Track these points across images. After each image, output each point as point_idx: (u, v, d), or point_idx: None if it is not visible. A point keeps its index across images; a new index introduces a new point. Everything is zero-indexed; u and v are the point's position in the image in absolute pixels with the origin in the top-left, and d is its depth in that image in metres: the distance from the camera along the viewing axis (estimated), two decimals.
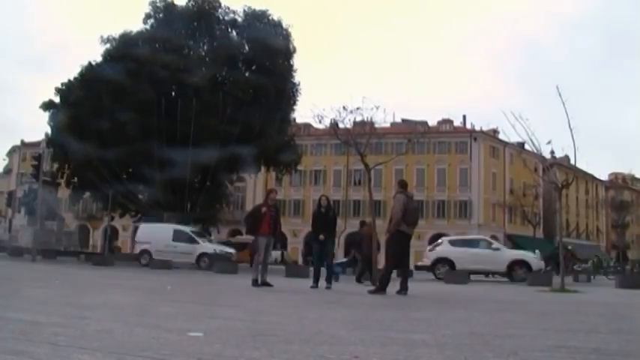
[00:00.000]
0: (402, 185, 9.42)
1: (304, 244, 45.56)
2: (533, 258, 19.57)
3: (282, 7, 33.71)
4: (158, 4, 32.31)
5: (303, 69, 55.34)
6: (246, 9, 32.33)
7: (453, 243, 20.56)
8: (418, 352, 3.08)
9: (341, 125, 18.77)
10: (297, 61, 32.45)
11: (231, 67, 30.60)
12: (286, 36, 31.97)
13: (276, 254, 39.58)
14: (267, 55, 30.57)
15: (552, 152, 34.52)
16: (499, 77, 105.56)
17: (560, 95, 12.59)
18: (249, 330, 3.88)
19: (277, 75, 30.48)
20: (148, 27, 32.15)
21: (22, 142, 64.11)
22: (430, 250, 20.52)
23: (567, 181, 15.10)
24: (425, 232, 49.82)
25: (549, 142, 16.31)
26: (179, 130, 27.72)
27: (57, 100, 30.75)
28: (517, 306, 7.93)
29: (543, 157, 14.85)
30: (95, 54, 38.98)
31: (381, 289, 8.87)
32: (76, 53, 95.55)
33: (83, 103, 28.14)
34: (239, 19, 32.32)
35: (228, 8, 32.49)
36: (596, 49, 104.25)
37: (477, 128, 53.68)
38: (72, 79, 30.41)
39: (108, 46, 30.76)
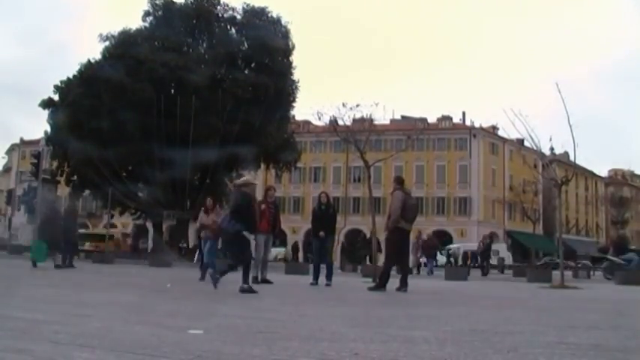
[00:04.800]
0: (399, 182, 9.36)
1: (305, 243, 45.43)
2: None
3: (281, 4, 33.56)
4: (157, 2, 32.25)
5: (303, 66, 55.28)
6: (245, 6, 32.31)
7: None
8: (418, 348, 3.08)
9: (340, 122, 18.76)
10: (296, 58, 32.46)
11: (230, 65, 30.54)
12: (285, 33, 31.92)
13: (277, 251, 39.43)
14: (267, 52, 30.52)
15: (552, 149, 34.49)
16: (499, 73, 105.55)
17: (559, 92, 12.59)
18: (249, 327, 3.88)
19: (276, 73, 30.43)
20: (147, 25, 32.11)
21: (22, 140, 64.06)
22: None
23: (567, 178, 15.06)
24: (424, 228, 49.71)
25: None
26: (179, 128, 27.67)
27: (56, 98, 30.73)
28: (517, 302, 7.94)
29: (543, 154, 14.85)
30: (94, 52, 39.01)
31: (380, 285, 8.86)
32: (74, 51, 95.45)
33: (82, 101, 28.10)
34: (238, 17, 32.25)
35: (227, 5, 32.49)
36: (596, 49, 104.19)
37: (477, 125, 53.66)
38: (71, 77, 30.39)
39: (107, 43, 30.76)
